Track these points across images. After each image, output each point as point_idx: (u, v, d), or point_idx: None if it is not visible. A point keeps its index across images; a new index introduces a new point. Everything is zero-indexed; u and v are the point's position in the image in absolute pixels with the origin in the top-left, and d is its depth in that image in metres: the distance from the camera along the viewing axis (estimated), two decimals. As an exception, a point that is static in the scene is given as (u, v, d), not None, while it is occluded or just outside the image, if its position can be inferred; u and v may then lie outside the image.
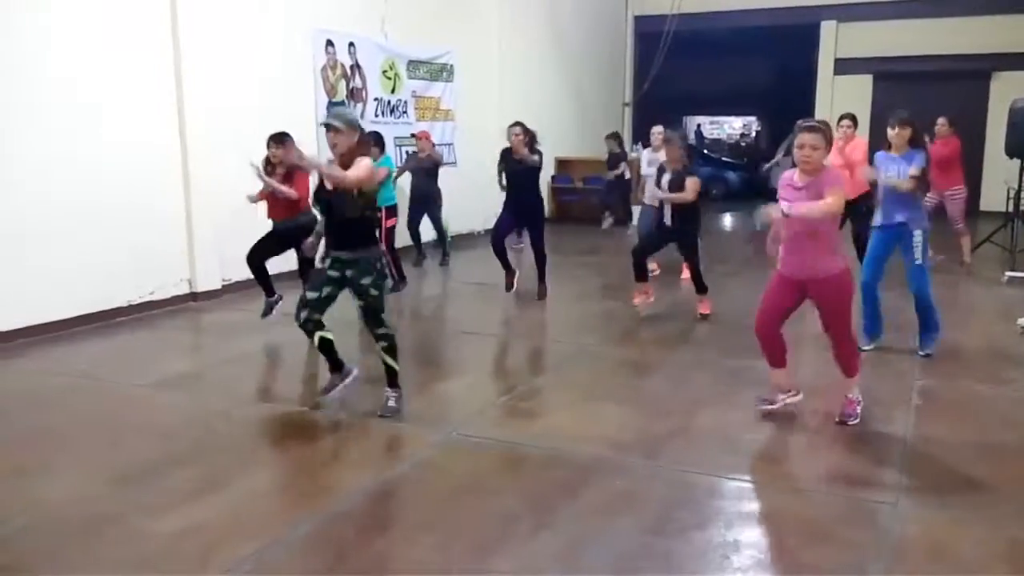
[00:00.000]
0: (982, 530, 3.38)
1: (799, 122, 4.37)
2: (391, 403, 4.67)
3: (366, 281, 4.53)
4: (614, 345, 6.38)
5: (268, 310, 6.66)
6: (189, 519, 3.46)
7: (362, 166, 4.39)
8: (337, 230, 4.57)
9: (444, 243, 9.95)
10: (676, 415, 4.70)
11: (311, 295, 4.60)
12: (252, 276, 6.64)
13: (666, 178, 6.83)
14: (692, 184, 6.68)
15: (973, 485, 3.83)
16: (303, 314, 4.59)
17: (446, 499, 3.68)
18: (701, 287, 7.06)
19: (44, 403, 5.02)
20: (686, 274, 7.81)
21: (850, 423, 4.48)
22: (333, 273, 4.57)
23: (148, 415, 4.79)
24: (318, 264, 4.80)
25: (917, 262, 5.61)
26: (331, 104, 9.38)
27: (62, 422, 4.68)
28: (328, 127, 4.45)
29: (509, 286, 7.85)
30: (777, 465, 4.20)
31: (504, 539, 3.30)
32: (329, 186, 4.49)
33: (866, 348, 5.72)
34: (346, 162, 4.43)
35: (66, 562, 3.18)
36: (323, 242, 4.76)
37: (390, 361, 4.68)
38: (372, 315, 4.61)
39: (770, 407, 4.64)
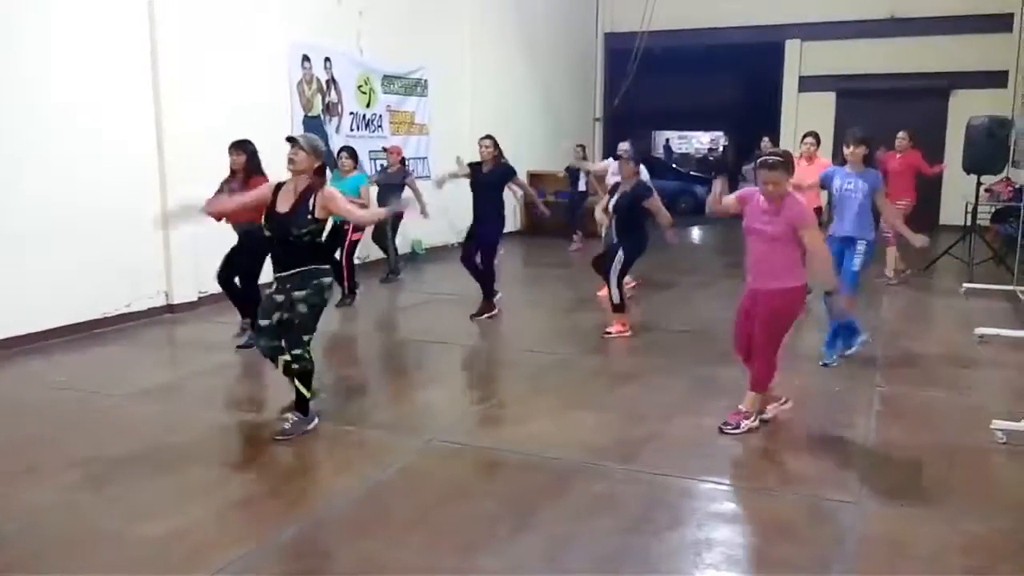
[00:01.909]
0: (939, 526, 3.57)
1: (765, 140, 4.58)
2: (286, 425, 4.57)
3: (299, 294, 4.49)
4: (589, 354, 6.53)
5: (243, 332, 6.59)
6: (175, 524, 3.53)
7: (344, 202, 4.58)
8: (284, 251, 4.54)
9: (391, 261, 9.72)
10: (650, 421, 4.85)
11: (263, 323, 4.60)
12: (226, 295, 6.63)
13: (614, 199, 6.98)
14: (654, 203, 6.88)
15: (931, 485, 4.04)
16: (262, 342, 4.63)
17: (429, 503, 3.79)
18: (612, 299, 6.92)
19: (25, 413, 5.05)
20: (603, 291, 7.42)
21: (726, 431, 4.59)
22: (278, 297, 4.56)
23: (129, 425, 4.84)
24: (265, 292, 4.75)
25: (854, 268, 5.83)
26: (307, 118, 9.48)
27: (44, 432, 4.71)
28: (293, 142, 4.52)
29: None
30: (746, 468, 4.36)
31: (488, 540, 3.42)
32: (283, 209, 4.50)
33: (827, 363, 5.94)
34: (299, 175, 4.53)
35: (56, 566, 3.24)
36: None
37: (299, 386, 4.58)
38: (293, 331, 4.53)
39: (762, 416, 4.76)
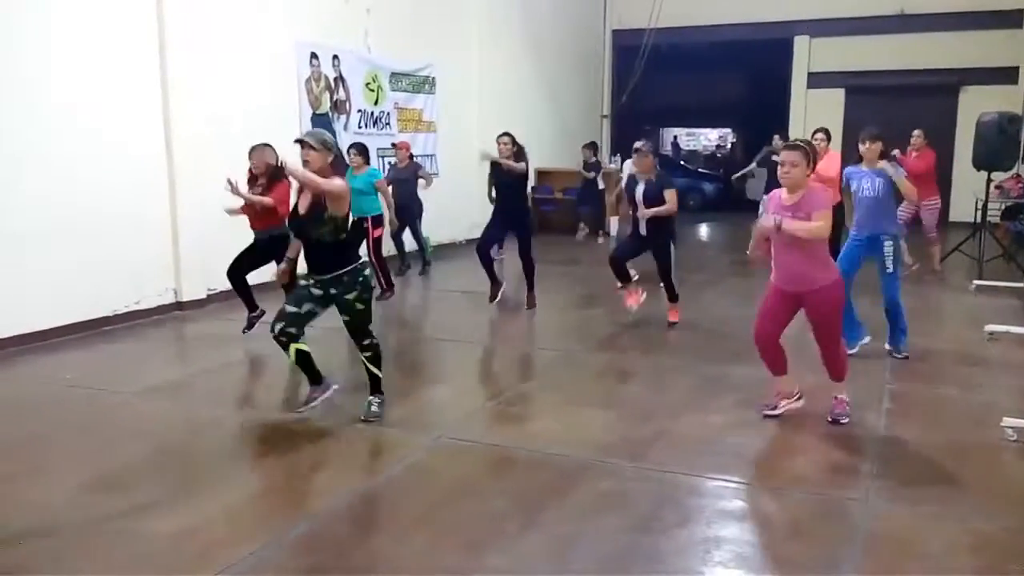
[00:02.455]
0: (948, 525, 3.55)
1: (775, 138, 4.58)
2: (374, 408, 4.77)
3: (351, 297, 4.58)
4: (597, 351, 6.53)
5: (250, 326, 6.66)
6: (186, 521, 3.55)
7: (335, 182, 4.48)
8: (315, 254, 4.62)
9: (424, 253, 10.09)
10: (658, 419, 4.85)
11: (290, 309, 4.64)
12: (234, 290, 6.70)
13: (640, 188, 6.92)
14: (671, 196, 6.83)
15: (940, 483, 4.01)
16: (278, 326, 4.63)
17: (438, 500, 3.79)
18: (672, 295, 7.18)
19: (33, 410, 5.07)
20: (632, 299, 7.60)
21: (842, 422, 4.69)
22: (316, 291, 4.62)
23: (138, 422, 4.86)
24: (300, 281, 4.80)
25: (888, 271, 5.86)
26: (315, 116, 9.50)
27: (53, 429, 4.74)
28: (302, 144, 4.51)
29: (493, 296, 7.91)
30: (755, 465, 4.35)
31: (495, 538, 3.43)
32: (302, 211, 4.54)
33: (850, 352, 5.95)
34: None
35: (67, 563, 3.26)
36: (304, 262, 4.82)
37: (374, 370, 4.77)
38: (358, 329, 4.68)
39: (773, 412, 4.79)
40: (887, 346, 6.11)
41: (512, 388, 5.78)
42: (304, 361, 4.76)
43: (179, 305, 7.72)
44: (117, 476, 4.05)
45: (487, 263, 7.82)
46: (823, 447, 4.49)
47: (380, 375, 4.80)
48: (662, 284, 7.27)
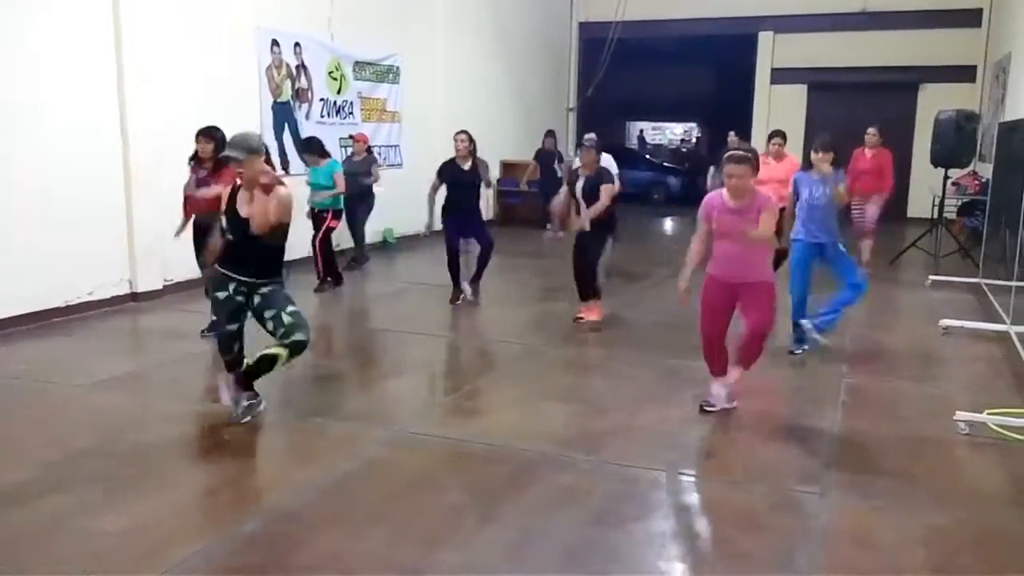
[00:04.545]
0: (902, 517, 3.59)
1: (731, 134, 4.60)
2: (245, 405, 4.54)
3: (266, 289, 4.43)
4: (558, 345, 6.51)
5: (211, 329, 6.45)
6: (135, 517, 3.47)
7: (281, 202, 4.24)
8: (247, 254, 4.40)
9: (360, 248, 9.65)
10: (617, 412, 4.85)
11: (232, 327, 4.46)
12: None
13: (579, 184, 6.87)
14: (607, 191, 6.75)
15: (895, 476, 4.05)
16: (235, 347, 4.49)
17: (394, 495, 3.75)
18: (592, 290, 7.00)
19: (-20, 404, 4.93)
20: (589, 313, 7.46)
21: (707, 408, 4.79)
22: (240, 298, 4.46)
23: (89, 415, 4.74)
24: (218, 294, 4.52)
25: (853, 271, 5.92)
26: (276, 104, 9.35)
27: (1, 423, 4.60)
28: (229, 160, 4.30)
29: (454, 299, 7.77)
30: (713, 459, 4.37)
31: (452, 532, 3.39)
32: (244, 212, 4.35)
33: (795, 352, 6.02)
34: (253, 186, 4.31)
35: (11, 562, 3.16)
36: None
37: (280, 360, 4.41)
38: (295, 330, 4.40)
39: (711, 409, 4.83)
40: (813, 322, 5.98)
41: (472, 381, 5.74)
42: (260, 370, 4.50)
43: (134, 296, 7.55)
44: (66, 471, 3.93)
45: (455, 273, 7.75)
46: (780, 441, 4.53)
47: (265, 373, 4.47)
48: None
